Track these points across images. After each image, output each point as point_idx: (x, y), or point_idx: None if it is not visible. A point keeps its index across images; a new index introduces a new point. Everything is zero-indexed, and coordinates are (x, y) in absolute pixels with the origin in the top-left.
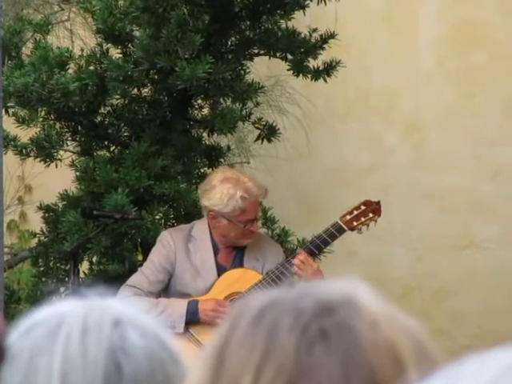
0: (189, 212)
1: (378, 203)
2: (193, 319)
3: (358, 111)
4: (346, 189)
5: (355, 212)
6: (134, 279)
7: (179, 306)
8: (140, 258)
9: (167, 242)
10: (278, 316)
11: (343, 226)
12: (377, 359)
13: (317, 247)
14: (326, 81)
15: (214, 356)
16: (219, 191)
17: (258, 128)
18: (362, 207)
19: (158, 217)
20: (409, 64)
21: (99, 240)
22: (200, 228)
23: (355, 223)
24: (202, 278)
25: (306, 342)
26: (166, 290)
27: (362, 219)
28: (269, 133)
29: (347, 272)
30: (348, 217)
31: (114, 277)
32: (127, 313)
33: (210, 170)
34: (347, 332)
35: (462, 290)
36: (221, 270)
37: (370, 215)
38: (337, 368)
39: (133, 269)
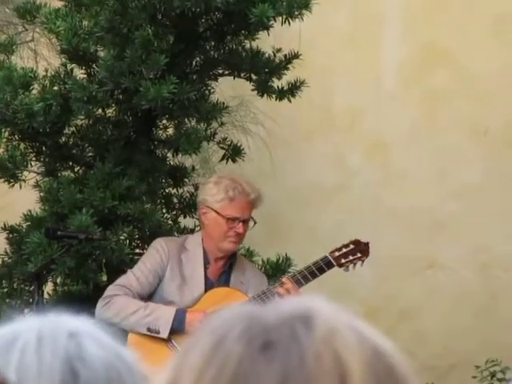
0: (153, 232)
1: (367, 244)
2: (178, 328)
3: (322, 131)
4: (311, 208)
5: (344, 249)
6: (124, 279)
7: (167, 312)
8: (104, 278)
9: (161, 247)
10: (231, 324)
11: (332, 261)
12: (319, 375)
13: (304, 278)
14: (290, 101)
15: (176, 361)
16: (214, 184)
17: (222, 148)
18: (351, 246)
19: (122, 237)
20: (372, 84)
21: (63, 261)
22: (193, 240)
23: (343, 260)
24: (189, 288)
25: (251, 352)
26: (151, 294)
27: (351, 257)
28: (233, 153)
29: (311, 292)
30: (337, 253)
31: (78, 298)
32: (83, 325)
33: (175, 190)
34: (294, 346)
35: (425, 310)
36: (208, 284)
37: (358, 255)
38: (275, 380)
39: (97, 289)
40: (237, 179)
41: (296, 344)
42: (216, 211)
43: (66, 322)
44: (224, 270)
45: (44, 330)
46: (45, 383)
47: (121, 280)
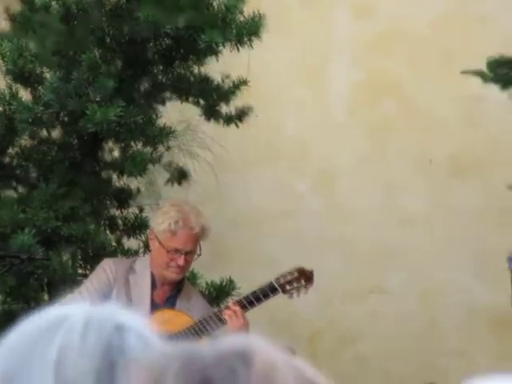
0: (97, 253)
1: (311, 272)
2: None
3: (270, 158)
4: (256, 233)
5: (289, 277)
6: (70, 298)
7: None
8: (46, 297)
9: (109, 267)
10: (169, 362)
11: (277, 287)
12: None
13: (249, 303)
14: (237, 126)
15: None
16: (162, 213)
17: (168, 171)
18: (296, 273)
19: (65, 257)
20: (320, 113)
21: (5, 280)
22: (142, 263)
23: (288, 287)
24: (134, 310)
25: None
26: None
27: (295, 285)
28: (179, 176)
29: (256, 316)
30: (282, 280)
31: (19, 316)
32: (132, 320)
33: (119, 211)
34: (233, 381)
35: (368, 333)
36: (154, 307)
37: (303, 282)
38: None
39: (38, 308)
40: (185, 210)
41: (235, 381)
42: (159, 241)
43: (115, 313)
44: (171, 294)
45: (92, 316)
46: (83, 364)
47: (67, 298)
